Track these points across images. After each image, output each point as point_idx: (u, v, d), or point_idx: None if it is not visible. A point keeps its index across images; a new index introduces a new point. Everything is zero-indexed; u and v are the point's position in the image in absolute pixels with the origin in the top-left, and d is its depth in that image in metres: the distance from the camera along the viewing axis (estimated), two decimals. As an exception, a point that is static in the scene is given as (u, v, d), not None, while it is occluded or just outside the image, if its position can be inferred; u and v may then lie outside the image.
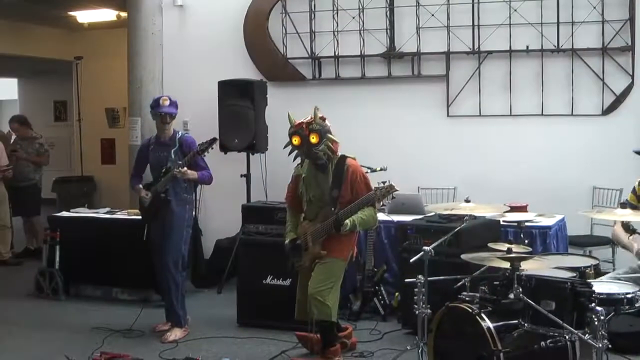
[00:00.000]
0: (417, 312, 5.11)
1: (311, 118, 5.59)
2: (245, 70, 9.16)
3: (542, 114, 8.19)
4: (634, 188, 5.62)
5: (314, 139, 5.54)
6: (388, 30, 8.67)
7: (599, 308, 4.25)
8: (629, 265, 5.56)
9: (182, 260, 6.66)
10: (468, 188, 7.85)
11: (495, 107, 8.37)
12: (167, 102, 6.63)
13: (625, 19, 7.86)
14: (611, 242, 7.36)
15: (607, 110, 8.00)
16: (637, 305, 4.67)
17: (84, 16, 12.27)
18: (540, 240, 6.70)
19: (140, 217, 7.00)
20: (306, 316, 5.66)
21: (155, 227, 6.66)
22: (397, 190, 5.29)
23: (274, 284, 6.77)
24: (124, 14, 10.79)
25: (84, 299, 8.03)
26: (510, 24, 8.19)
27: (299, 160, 5.83)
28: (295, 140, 5.60)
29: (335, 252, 5.60)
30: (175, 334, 6.58)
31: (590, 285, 4.50)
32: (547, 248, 6.64)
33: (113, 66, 12.63)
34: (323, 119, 5.64)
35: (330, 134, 5.62)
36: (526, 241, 5.66)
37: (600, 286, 4.76)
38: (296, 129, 5.59)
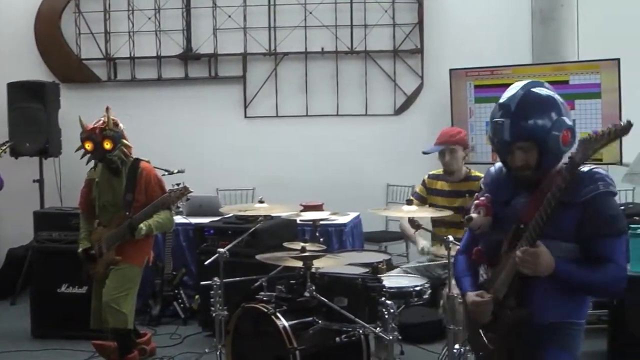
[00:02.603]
0: (214, 314, 5.09)
1: (103, 122, 5.43)
2: (36, 71, 8.78)
3: (337, 114, 8.42)
4: (424, 180, 5.87)
5: (107, 145, 5.38)
6: (185, 32, 8.61)
7: (389, 302, 4.40)
8: (417, 259, 5.80)
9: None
10: (267, 189, 7.94)
11: (292, 107, 8.52)
12: None
13: (414, 23, 8.21)
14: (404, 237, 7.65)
15: (399, 110, 8.34)
16: (425, 297, 4.87)
17: None
18: (336, 237, 6.88)
19: None
20: (102, 324, 5.49)
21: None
22: (191, 192, 5.28)
23: (69, 292, 6.56)
24: None
25: None
26: (305, 26, 8.36)
27: (92, 163, 5.66)
28: (88, 146, 5.41)
29: (130, 258, 5.47)
30: (-37, 350, 6.26)
31: (380, 280, 4.66)
32: (343, 245, 6.81)
33: None
34: (116, 123, 5.48)
35: (125, 138, 5.50)
36: (322, 239, 5.74)
37: (391, 280, 4.92)
38: (88, 134, 5.40)
